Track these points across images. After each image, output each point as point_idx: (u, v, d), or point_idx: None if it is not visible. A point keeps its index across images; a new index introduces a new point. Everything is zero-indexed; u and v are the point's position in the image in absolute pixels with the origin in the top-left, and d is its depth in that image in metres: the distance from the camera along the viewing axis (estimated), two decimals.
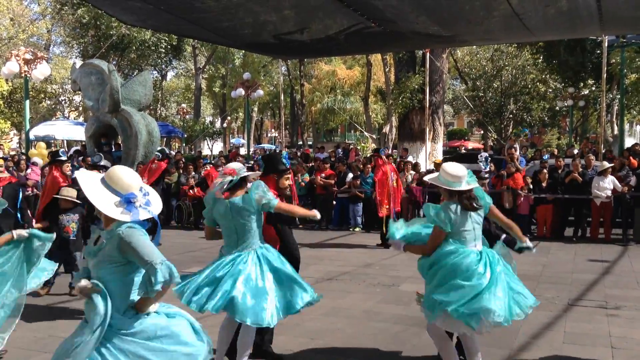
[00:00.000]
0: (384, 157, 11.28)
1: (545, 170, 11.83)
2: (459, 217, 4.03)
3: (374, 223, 12.40)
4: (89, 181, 2.88)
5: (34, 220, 7.25)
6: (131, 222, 2.84)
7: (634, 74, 23.50)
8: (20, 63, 15.76)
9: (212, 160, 17.60)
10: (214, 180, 14.21)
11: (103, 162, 6.30)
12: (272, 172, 4.81)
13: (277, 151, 19.83)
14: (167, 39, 28.45)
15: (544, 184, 11.66)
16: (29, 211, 8.11)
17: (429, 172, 11.95)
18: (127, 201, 2.80)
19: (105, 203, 2.81)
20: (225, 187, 4.24)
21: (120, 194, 2.83)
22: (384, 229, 10.22)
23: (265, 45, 12.90)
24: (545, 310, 6.10)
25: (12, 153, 19.51)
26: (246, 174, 4.35)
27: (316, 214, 4.36)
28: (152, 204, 2.91)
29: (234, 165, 4.43)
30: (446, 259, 4.01)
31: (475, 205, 4.07)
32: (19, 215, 7.13)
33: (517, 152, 13.90)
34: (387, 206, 10.37)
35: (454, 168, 4.12)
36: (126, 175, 2.88)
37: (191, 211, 13.87)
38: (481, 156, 4.56)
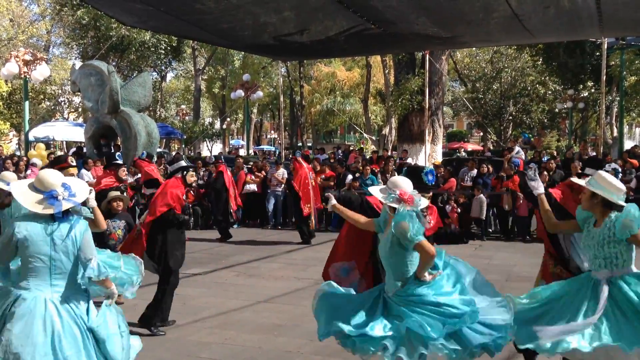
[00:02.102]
0: (299, 159, 11.61)
1: (545, 172, 11.82)
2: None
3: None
4: (19, 187, 3.40)
5: None
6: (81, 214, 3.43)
7: (633, 76, 23.57)
8: (19, 64, 15.75)
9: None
10: (229, 179, 13.76)
11: (184, 163, 6.05)
12: None
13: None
14: (166, 40, 28.43)
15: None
16: None
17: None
18: (50, 197, 3.29)
19: (30, 202, 3.30)
20: (421, 221, 3.66)
21: (43, 192, 3.32)
22: (309, 226, 11.07)
23: (265, 47, 12.93)
24: None
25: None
26: (423, 203, 3.76)
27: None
28: (77, 194, 3.40)
29: (405, 189, 3.73)
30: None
31: None
32: None
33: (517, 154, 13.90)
34: (309, 205, 10.93)
35: (615, 180, 3.72)
36: (47, 176, 3.38)
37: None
38: (609, 166, 4.25)
